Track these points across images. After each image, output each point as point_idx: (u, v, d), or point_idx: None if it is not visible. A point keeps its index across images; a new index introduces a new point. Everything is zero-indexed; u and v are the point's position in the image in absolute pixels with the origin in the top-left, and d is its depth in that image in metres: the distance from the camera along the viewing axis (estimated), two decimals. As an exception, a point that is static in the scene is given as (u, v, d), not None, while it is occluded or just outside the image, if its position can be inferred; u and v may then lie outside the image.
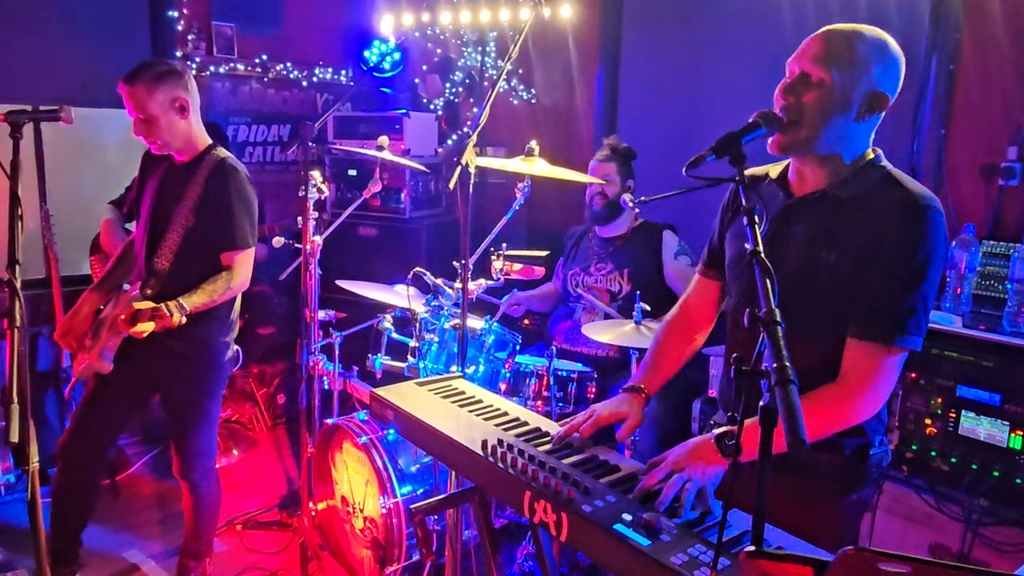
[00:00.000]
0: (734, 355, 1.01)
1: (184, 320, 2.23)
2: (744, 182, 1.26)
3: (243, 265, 2.44)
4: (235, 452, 3.91)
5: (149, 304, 2.21)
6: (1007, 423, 2.28)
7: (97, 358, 2.37)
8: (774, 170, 1.65)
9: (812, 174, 1.55)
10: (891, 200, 1.46)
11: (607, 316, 2.98)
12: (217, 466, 2.67)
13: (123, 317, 2.20)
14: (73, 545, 2.58)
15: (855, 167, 1.51)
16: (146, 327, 2.17)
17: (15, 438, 1.44)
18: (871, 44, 1.46)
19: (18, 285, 1.58)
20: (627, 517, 1.28)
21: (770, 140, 1.50)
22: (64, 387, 3.57)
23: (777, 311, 1.03)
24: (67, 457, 2.50)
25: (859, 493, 1.59)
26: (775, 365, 0.96)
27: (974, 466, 2.35)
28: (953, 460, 2.39)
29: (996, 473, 2.30)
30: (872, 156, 1.53)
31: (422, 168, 3.15)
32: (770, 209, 1.59)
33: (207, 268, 2.41)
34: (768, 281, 1.08)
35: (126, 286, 2.50)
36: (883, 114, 1.51)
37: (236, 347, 2.63)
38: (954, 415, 2.39)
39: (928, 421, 2.45)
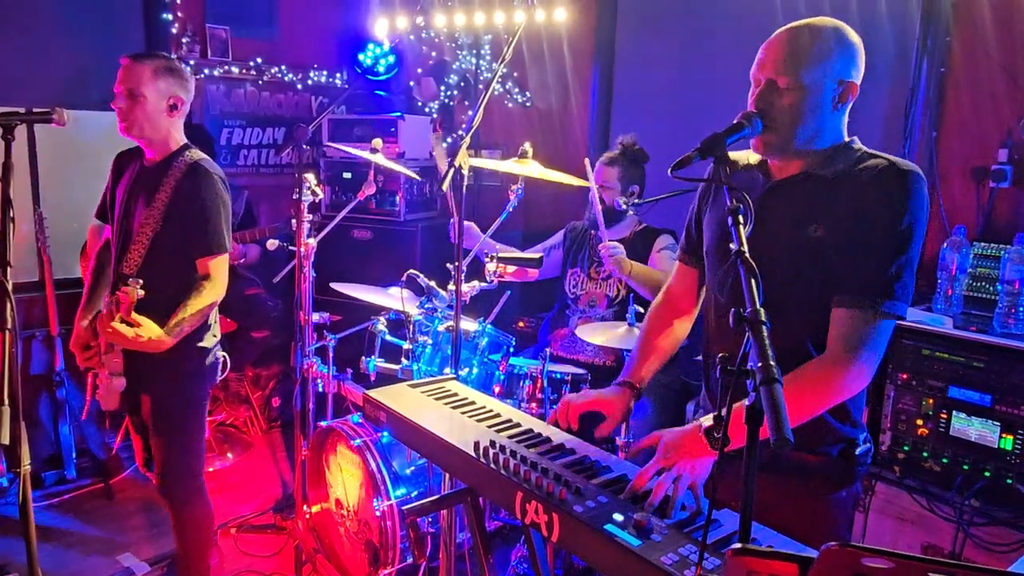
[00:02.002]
0: (720, 355, 1.01)
1: (142, 293, 2.08)
2: (730, 183, 1.27)
3: (220, 271, 2.33)
4: (230, 455, 3.90)
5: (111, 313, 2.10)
6: (998, 424, 2.29)
7: (108, 380, 2.28)
8: (754, 156, 1.66)
9: (793, 163, 1.57)
10: (873, 170, 1.48)
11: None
12: (205, 484, 2.53)
13: (102, 323, 2.10)
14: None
15: (834, 150, 1.54)
16: (124, 329, 2.07)
17: (6, 440, 1.44)
18: (828, 36, 1.47)
19: (9, 287, 1.58)
20: (618, 517, 1.28)
21: (752, 142, 1.52)
22: (58, 392, 3.56)
23: (762, 311, 1.03)
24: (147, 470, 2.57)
25: (848, 490, 1.61)
26: (760, 365, 0.97)
27: (965, 466, 2.36)
28: (944, 461, 2.40)
29: (987, 473, 2.32)
30: (848, 140, 1.56)
31: (412, 175, 3.16)
32: (751, 192, 1.58)
33: (176, 274, 2.29)
34: (753, 281, 1.09)
35: (102, 308, 2.38)
36: (854, 100, 1.52)
37: (221, 354, 2.50)
38: (945, 416, 2.40)
39: (919, 422, 2.46)
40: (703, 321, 1.81)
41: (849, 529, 1.74)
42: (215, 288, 2.30)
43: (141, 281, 2.08)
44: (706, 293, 1.77)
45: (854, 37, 1.51)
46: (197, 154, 2.38)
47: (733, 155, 1.67)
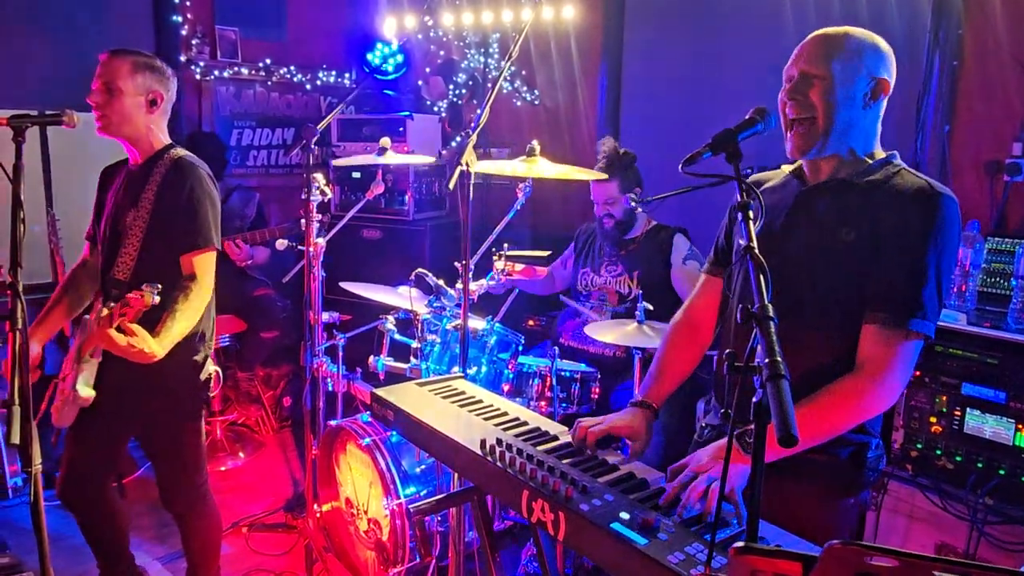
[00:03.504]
0: (727, 351, 1.01)
1: (157, 299, 1.93)
2: (740, 179, 1.26)
3: (206, 268, 2.19)
4: (241, 455, 3.92)
5: (111, 310, 1.92)
6: (1012, 421, 2.27)
7: (74, 394, 2.08)
8: (788, 167, 1.70)
9: (827, 166, 1.58)
10: (908, 188, 1.50)
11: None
12: (209, 492, 2.47)
13: (102, 325, 1.92)
14: (126, 565, 2.51)
15: (870, 159, 1.56)
16: (119, 338, 1.90)
17: (16, 440, 1.44)
18: (860, 38, 1.53)
19: (20, 288, 1.59)
20: (625, 516, 1.27)
21: (789, 145, 1.55)
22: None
23: (770, 306, 1.03)
24: (69, 500, 2.33)
25: (856, 496, 1.59)
26: (767, 360, 0.96)
27: (979, 464, 2.33)
28: (958, 458, 2.38)
29: (1002, 471, 2.29)
30: (886, 155, 1.58)
31: (425, 160, 3.15)
32: (786, 196, 1.62)
33: (168, 277, 2.14)
34: (761, 276, 1.08)
35: (87, 316, 2.25)
36: (886, 101, 1.55)
37: (214, 368, 2.36)
38: (959, 413, 2.37)
39: (933, 419, 2.43)
40: (722, 323, 1.80)
41: (853, 537, 1.71)
42: (201, 289, 2.16)
43: (160, 287, 1.92)
44: (732, 301, 1.74)
45: (885, 44, 1.55)
46: (180, 151, 2.30)
47: (768, 174, 1.74)
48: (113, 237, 2.28)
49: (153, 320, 2.04)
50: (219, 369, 2.39)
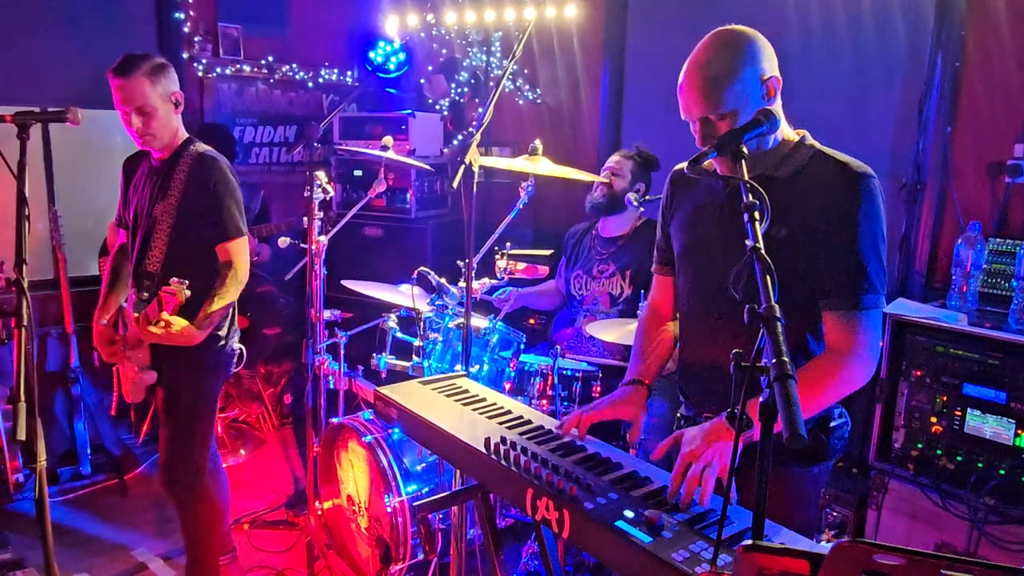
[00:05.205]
0: (733, 351, 1.01)
1: (188, 293, 2.15)
2: (747, 180, 1.26)
3: (240, 254, 2.40)
4: (242, 452, 3.93)
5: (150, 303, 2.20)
6: (1013, 421, 2.27)
7: (138, 375, 2.36)
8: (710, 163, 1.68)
9: (748, 162, 1.58)
10: (827, 173, 1.54)
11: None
12: (212, 481, 2.55)
13: (140, 324, 2.20)
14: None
15: (786, 148, 1.59)
16: (157, 330, 2.16)
17: (22, 436, 1.45)
18: (726, 52, 1.53)
19: (25, 285, 1.59)
20: (629, 514, 1.28)
21: (718, 165, 1.56)
22: (73, 388, 3.59)
23: (777, 307, 1.03)
24: None
25: (820, 466, 1.64)
26: (774, 360, 0.97)
27: (980, 464, 2.34)
28: (959, 458, 2.39)
29: (1002, 471, 2.30)
30: (798, 137, 1.61)
31: (425, 167, 3.16)
32: (713, 199, 1.66)
33: (197, 266, 2.35)
34: (768, 277, 1.09)
35: (124, 304, 2.46)
36: (781, 88, 1.55)
37: (238, 346, 2.56)
38: (960, 413, 2.38)
39: (934, 419, 2.44)
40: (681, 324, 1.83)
41: (817, 507, 1.74)
42: (238, 274, 2.38)
43: (188, 282, 2.14)
44: (681, 298, 1.79)
45: (750, 33, 1.56)
46: (202, 146, 2.44)
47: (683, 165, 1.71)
48: (143, 231, 2.41)
49: (190, 307, 2.21)
50: (243, 347, 2.57)
